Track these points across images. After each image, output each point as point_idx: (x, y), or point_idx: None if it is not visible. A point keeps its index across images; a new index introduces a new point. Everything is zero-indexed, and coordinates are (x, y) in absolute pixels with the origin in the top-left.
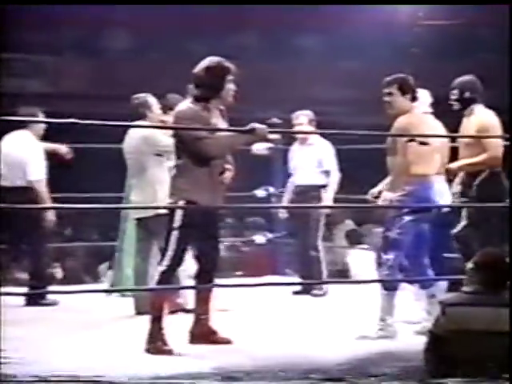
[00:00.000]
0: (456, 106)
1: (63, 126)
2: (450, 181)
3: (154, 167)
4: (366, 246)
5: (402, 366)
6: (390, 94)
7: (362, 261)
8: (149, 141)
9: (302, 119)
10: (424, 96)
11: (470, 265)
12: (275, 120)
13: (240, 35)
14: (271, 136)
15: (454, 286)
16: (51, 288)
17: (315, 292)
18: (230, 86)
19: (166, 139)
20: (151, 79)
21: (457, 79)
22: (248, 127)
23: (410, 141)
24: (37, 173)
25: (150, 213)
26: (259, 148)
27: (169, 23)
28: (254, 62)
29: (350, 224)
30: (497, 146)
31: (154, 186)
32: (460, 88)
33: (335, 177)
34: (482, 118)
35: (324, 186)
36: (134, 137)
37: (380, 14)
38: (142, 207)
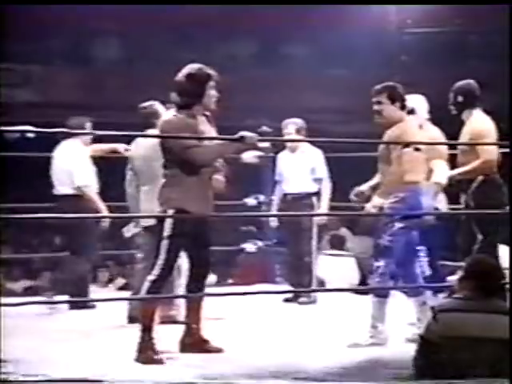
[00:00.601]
0: (452, 110)
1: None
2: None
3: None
4: (349, 252)
5: (394, 373)
6: (379, 102)
7: (337, 267)
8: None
9: (290, 128)
10: (421, 102)
11: (461, 271)
12: (265, 128)
13: (230, 44)
14: (261, 144)
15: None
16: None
17: (302, 300)
18: (212, 93)
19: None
20: (140, 88)
21: (456, 84)
22: (237, 135)
23: (405, 147)
24: (84, 179)
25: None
26: (249, 156)
27: (158, 32)
28: (244, 71)
29: (345, 232)
30: (489, 152)
31: None
32: (454, 92)
33: (327, 184)
34: (474, 124)
35: (315, 194)
36: (143, 145)
37: (370, 21)
38: (139, 216)
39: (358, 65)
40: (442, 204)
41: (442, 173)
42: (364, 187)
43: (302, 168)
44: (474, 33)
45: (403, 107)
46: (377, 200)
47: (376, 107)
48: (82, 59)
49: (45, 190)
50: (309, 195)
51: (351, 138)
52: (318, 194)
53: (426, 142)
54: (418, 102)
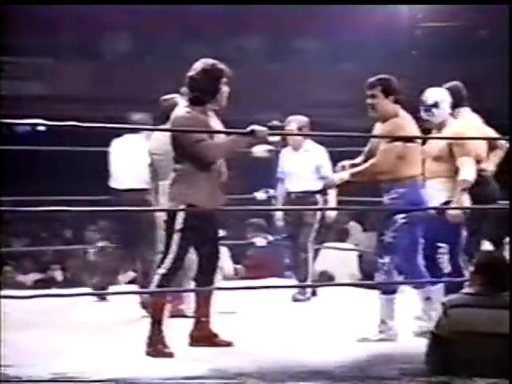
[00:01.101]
0: None
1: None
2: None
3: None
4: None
5: (403, 368)
6: (372, 96)
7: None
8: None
9: (293, 125)
10: (445, 96)
11: (471, 267)
12: (276, 122)
13: (240, 37)
14: (271, 138)
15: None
16: None
17: (297, 296)
18: (225, 89)
19: None
20: (150, 82)
21: (444, 85)
22: (248, 129)
23: (393, 142)
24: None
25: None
26: (259, 150)
27: (168, 26)
28: (255, 64)
29: (354, 226)
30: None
31: None
32: None
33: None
34: (451, 127)
35: (319, 192)
36: (162, 139)
37: (379, 16)
38: (147, 210)
39: (368, 59)
40: (466, 202)
41: (469, 170)
42: (346, 163)
43: (307, 166)
44: (485, 28)
45: (397, 101)
46: (342, 175)
47: (369, 101)
48: (92, 53)
49: (53, 183)
50: (313, 193)
51: (362, 132)
52: (322, 191)
53: (420, 136)
54: (441, 95)
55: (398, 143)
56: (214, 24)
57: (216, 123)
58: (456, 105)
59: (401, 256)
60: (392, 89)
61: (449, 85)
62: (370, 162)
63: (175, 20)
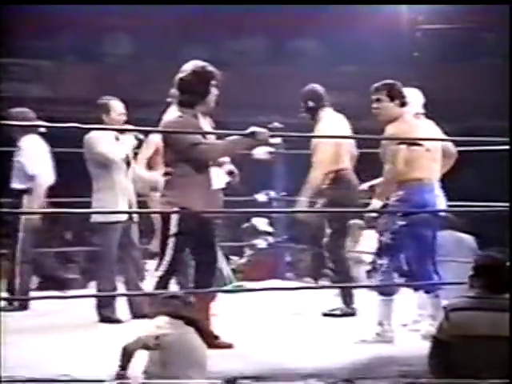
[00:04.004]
0: (306, 117)
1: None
2: None
3: (97, 175)
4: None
5: (401, 370)
6: (378, 100)
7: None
8: (86, 146)
9: None
10: (416, 96)
11: (471, 269)
12: (276, 124)
13: (240, 39)
14: (272, 140)
15: None
16: None
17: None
18: (214, 91)
19: (103, 147)
20: (150, 84)
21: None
22: (248, 131)
23: (400, 145)
24: None
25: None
26: (260, 152)
27: (167, 28)
28: (255, 66)
29: (357, 224)
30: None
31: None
32: (304, 99)
33: None
34: (321, 125)
35: None
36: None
37: (379, 18)
38: (143, 212)
39: (368, 61)
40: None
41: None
42: (365, 185)
43: None
44: (487, 29)
45: (403, 104)
46: (374, 202)
47: (375, 105)
48: (91, 55)
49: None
50: None
51: (362, 134)
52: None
53: (427, 138)
54: (412, 95)
55: (403, 146)
56: (213, 26)
57: (206, 125)
58: (318, 107)
59: (407, 258)
60: (397, 93)
61: (308, 88)
62: (385, 171)
63: (175, 22)
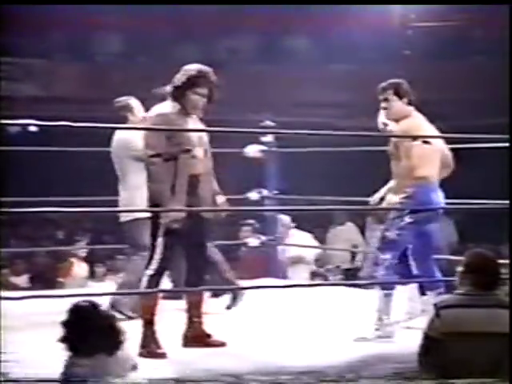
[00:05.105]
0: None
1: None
2: None
3: (131, 172)
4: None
5: (400, 367)
6: (386, 99)
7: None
8: (125, 144)
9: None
10: None
11: (460, 266)
12: (268, 122)
13: (232, 38)
14: (264, 138)
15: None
16: None
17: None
18: (195, 97)
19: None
20: (142, 82)
21: None
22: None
23: (414, 141)
24: None
25: (129, 217)
26: (252, 150)
27: (159, 27)
28: (247, 64)
29: (351, 226)
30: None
31: (131, 191)
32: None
33: None
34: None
35: None
36: (114, 140)
37: (371, 16)
38: (134, 211)
39: (360, 59)
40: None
41: None
42: (382, 193)
43: None
44: (479, 27)
45: (410, 102)
46: (390, 197)
47: (384, 104)
48: (84, 54)
49: (45, 184)
50: None
51: (354, 132)
52: None
53: (434, 135)
54: None
55: (417, 142)
56: (205, 25)
57: (196, 125)
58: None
59: (412, 255)
60: (404, 91)
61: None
62: (400, 167)
63: (167, 21)
